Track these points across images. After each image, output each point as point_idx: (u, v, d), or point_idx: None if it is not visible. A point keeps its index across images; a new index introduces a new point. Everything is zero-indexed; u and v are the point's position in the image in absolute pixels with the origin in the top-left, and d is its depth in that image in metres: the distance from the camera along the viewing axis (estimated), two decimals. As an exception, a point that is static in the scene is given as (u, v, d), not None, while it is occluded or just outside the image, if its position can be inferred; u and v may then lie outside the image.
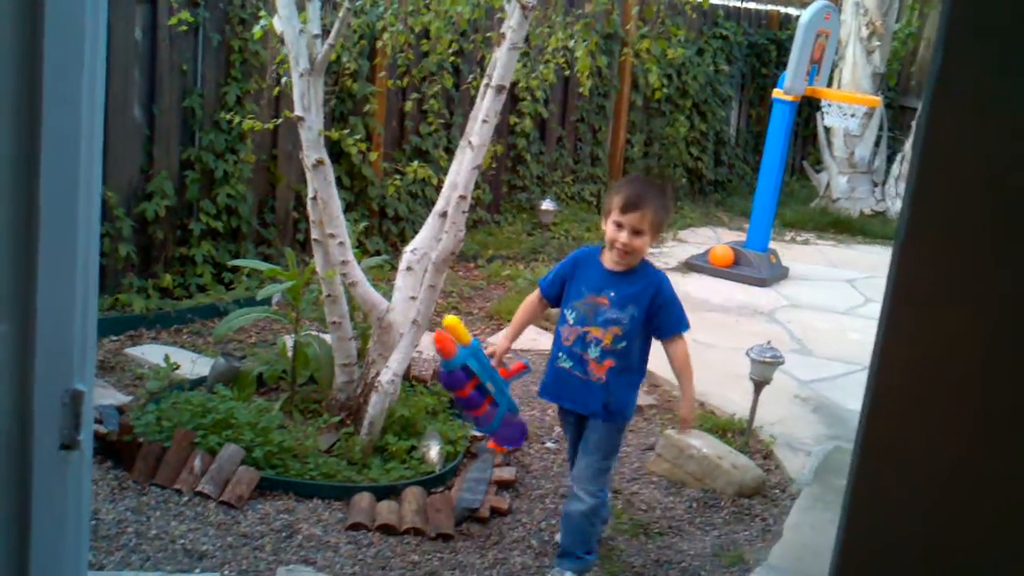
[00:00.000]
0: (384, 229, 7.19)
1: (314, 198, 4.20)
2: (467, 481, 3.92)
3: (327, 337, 4.44)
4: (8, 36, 1.03)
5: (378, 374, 4.13)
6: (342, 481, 3.78)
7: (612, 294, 3.27)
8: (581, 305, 3.31)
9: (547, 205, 8.08)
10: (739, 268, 7.76)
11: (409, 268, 4.26)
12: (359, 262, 4.31)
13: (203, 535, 3.41)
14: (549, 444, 4.46)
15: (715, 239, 8.79)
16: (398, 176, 6.48)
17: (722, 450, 4.29)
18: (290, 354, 4.46)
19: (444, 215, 4.20)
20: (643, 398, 5.02)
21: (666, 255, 8.28)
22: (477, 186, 7.91)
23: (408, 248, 4.32)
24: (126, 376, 4.67)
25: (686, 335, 3.37)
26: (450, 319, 3.41)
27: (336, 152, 6.15)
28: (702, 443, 4.30)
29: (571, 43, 5.09)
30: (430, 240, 4.25)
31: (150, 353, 4.89)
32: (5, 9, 1.02)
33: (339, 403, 4.28)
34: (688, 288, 7.33)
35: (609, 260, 3.32)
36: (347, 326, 4.34)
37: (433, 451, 4.01)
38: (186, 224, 5.94)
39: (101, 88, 1.13)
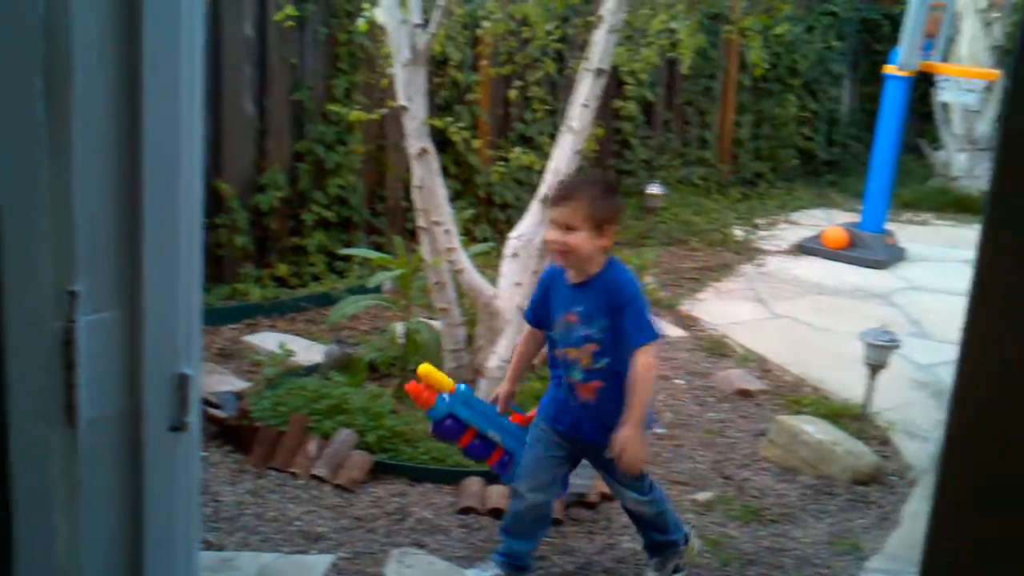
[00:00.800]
0: (491, 216, 7.24)
1: (419, 186, 4.25)
2: (576, 466, 3.92)
3: (436, 324, 4.49)
4: (109, 34, 1.07)
5: (486, 358, 4.16)
6: (453, 465, 3.82)
7: (579, 309, 2.97)
8: (558, 326, 3.04)
9: (654, 189, 8.01)
10: (854, 250, 7.57)
11: (514, 254, 4.28)
12: (466, 249, 4.35)
13: (319, 517, 3.49)
14: (658, 430, 4.43)
15: (828, 221, 8.60)
16: (502, 163, 6.52)
17: (836, 436, 4.20)
18: (401, 340, 4.53)
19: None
20: (754, 383, 4.96)
21: (777, 238, 8.13)
22: (582, 171, 7.91)
23: (513, 234, 4.34)
24: (244, 363, 4.80)
25: (652, 346, 2.91)
26: (424, 367, 3.11)
27: (442, 141, 6.21)
28: (815, 428, 4.22)
29: (674, 24, 5.03)
30: (534, 226, 4.26)
31: (267, 340, 5.03)
32: (106, 10, 1.06)
33: (448, 389, 4.33)
34: (799, 271, 7.20)
35: (570, 273, 3.02)
36: (455, 312, 4.39)
37: (542, 436, 4.03)
38: (299, 214, 6.07)
39: (199, 81, 1.16)
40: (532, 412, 3.20)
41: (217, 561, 3.16)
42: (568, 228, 2.89)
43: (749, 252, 7.65)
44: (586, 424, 3.04)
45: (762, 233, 8.30)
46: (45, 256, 1.09)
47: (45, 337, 1.11)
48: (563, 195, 2.97)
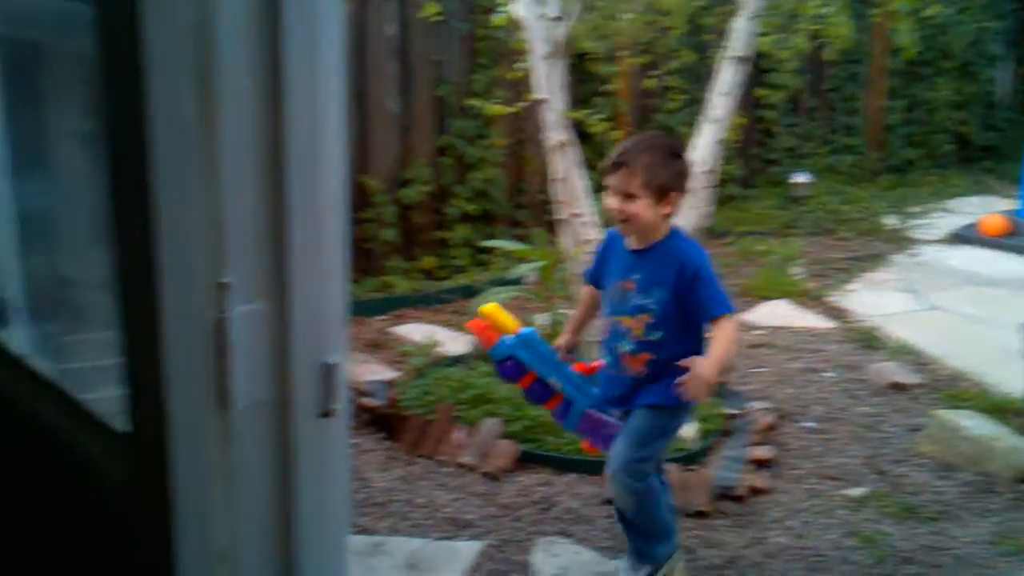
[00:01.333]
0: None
1: (559, 179, 4.25)
2: (723, 459, 3.87)
3: (578, 315, 4.50)
4: (254, 36, 1.11)
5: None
6: (598, 456, 3.81)
7: (637, 277, 2.76)
8: (612, 292, 2.85)
9: (800, 178, 7.82)
10: (1014, 238, 7.23)
11: (657, 245, 4.24)
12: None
13: (466, 505, 3.54)
14: (808, 424, 4.32)
15: (985, 208, 8.22)
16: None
17: (998, 431, 4.02)
18: (543, 331, 4.55)
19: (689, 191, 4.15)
20: (908, 376, 4.79)
21: (931, 226, 7.83)
22: (727, 161, 7.79)
23: (655, 225, 4.30)
24: (392, 353, 4.91)
25: (733, 319, 2.70)
26: (487, 307, 2.99)
27: (583, 133, 6.21)
28: (975, 423, 4.04)
29: (824, 10, 4.89)
30: (677, 217, 4.20)
31: (413, 331, 5.13)
32: (250, 14, 1.10)
33: (591, 380, 4.33)
34: (955, 261, 6.92)
35: (630, 239, 2.82)
36: (596, 304, 4.38)
37: (689, 428, 3.98)
38: (443, 208, 6.18)
39: (340, 78, 1.20)
40: (597, 363, 3.02)
41: (368, 545, 3.24)
42: (627, 196, 2.69)
43: (901, 241, 7.40)
44: (637, 396, 2.82)
45: (915, 222, 8.01)
46: (198, 250, 1.13)
47: (200, 327, 1.15)
48: (619, 161, 2.71)
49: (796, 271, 6.46)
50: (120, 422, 1.30)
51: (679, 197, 2.77)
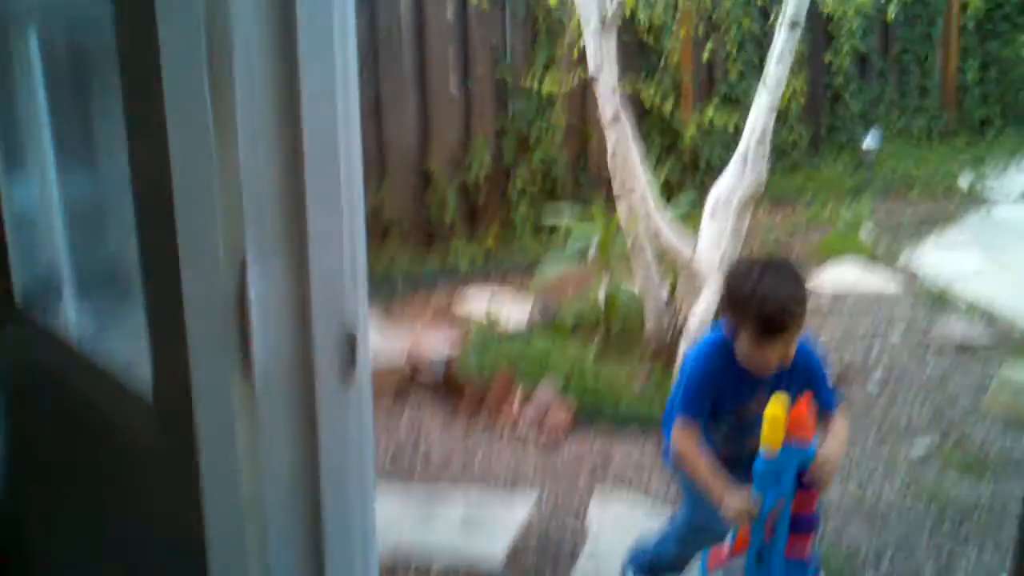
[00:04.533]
0: (696, 179, 7.18)
1: (614, 153, 4.29)
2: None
3: (637, 286, 4.54)
4: (266, 24, 1.19)
5: (687, 319, 4.18)
6: (652, 416, 3.87)
7: (764, 397, 2.33)
8: (727, 423, 2.49)
9: (870, 140, 7.70)
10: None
11: (713, 214, 4.27)
12: (666, 211, 4.37)
13: (524, 463, 3.69)
14: (873, 382, 4.29)
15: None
16: (710, 124, 6.47)
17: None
18: (602, 303, 4.61)
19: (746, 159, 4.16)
20: (978, 335, 4.73)
21: (1007, 185, 7.67)
22: (792, 128, 7.72)
23: (712, 194, 4.32)
24: (454, 326, 5.02)
25: (844, 410, 2.53)
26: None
27: (650, 107, 6.25)
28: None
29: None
30: (733, 184, 4.22)
31: (475, 305, 5.23)
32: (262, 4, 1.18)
33: (651, 348, 4.38)
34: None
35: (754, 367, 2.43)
36: (653, 274, 4.42)
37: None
38: (505, 187, 6.26)
39: (353, 62, 1.27)
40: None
41: (427, 493, 3.44)
42: (789, 345, 2.38)
43: (975, 201, 7.26)
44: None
45: (989, 182, 7.85)
46: (218, 221, 1.21)
47: (221, 296, 1.23)
48: (784, 322, 2.34)
49: (865, 233, 6.39)
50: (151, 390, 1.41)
51: None
